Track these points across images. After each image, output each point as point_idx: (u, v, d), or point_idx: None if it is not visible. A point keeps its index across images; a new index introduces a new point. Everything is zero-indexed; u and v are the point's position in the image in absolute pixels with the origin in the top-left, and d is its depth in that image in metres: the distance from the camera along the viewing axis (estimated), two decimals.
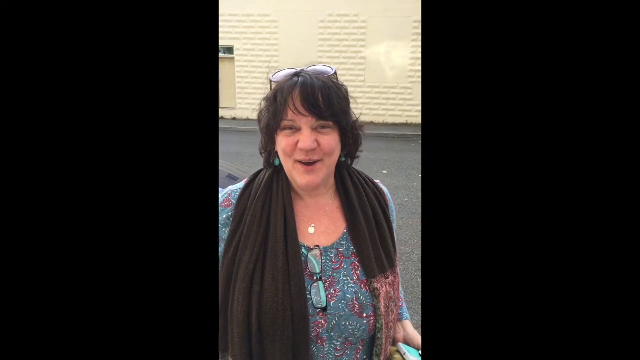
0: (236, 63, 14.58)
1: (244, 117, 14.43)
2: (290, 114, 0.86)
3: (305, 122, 0.87)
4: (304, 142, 0.85)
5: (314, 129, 0.88)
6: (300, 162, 0.88)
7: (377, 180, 1.07)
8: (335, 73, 0.95)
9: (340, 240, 0.96)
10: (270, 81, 0.95)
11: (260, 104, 0.95)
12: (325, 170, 0.91)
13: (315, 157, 0.88)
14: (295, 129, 0.88)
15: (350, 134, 0.95)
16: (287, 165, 0.91)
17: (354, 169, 1.03)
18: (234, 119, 14.33)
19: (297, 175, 0.89)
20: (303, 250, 0.93)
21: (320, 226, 0.96)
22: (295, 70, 0.94)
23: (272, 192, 0.95)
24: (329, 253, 0.93)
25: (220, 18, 14.14)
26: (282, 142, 0.88)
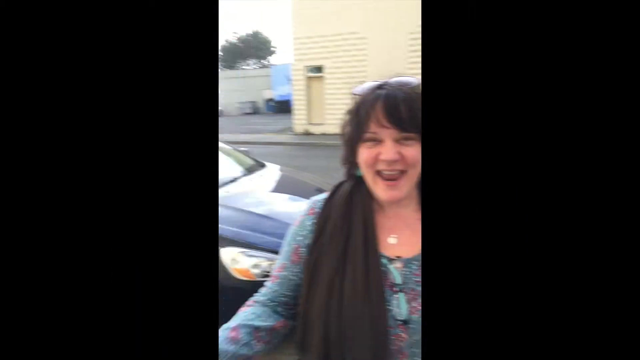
0: (325, 81, 15.09)
1: (332, 132, 14.79)
2: (373, 127, 0.85)
3: (388, 134, 0.85)
4: (387, 154, 0.84)
5: (397, 141, 0.86)
6: (382, 176, 0.86)
7: None
8: (418, 85, 0.90)
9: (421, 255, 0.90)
10: (354, 95, 0.94)
11: (344, 117, 0.95)
12: (409, 183, 0.88)
13: (399, 168, 0.85)
14: (378, 141, 0.86)
15: None
16: (369, 177, 0.89)
17: None
18: (323, 134, 14.77)
19: (379, 190, 0.87)
20: (384, 260, 0.89)
21: (402, 237, 0.93)
22: (378, 83, 0.92)
23: (353, 202, 0.94)
24: (411, 265, 0.89)
25: (309, 40, 14.88)
26: (364, 153, 0.87)
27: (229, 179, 3.22)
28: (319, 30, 14.54)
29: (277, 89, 29.58)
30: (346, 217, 0.93)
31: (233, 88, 32.18)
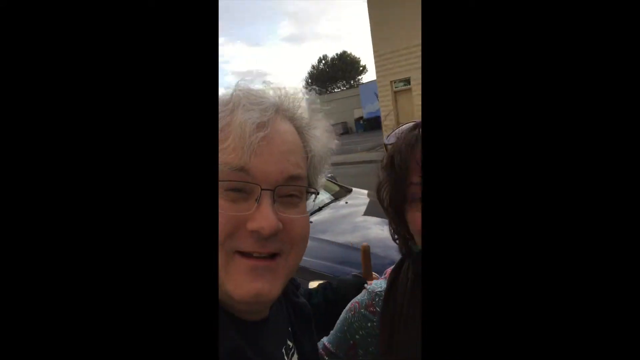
0: (414, 92, 14.67)
1: None
2: (417, 177, 0.65)
3: None
4: None
5: None
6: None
7: None
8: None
9: None
10: (386, 145, 0.76)
11: (378, 176, 0.75)
12: None
13: None
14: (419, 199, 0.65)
15: None
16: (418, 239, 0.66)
17: None
18: None
19: None
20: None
21: None
22: (414, 123, 0.75)
23: (417, 291, 0.71)
24: None
25: (392, 54, 14.72)
26: (417, 217, 0.66)
27: (315, 208, 3.26)
28: (399, 43, 14.33)
29: (367, 106, 29.82)
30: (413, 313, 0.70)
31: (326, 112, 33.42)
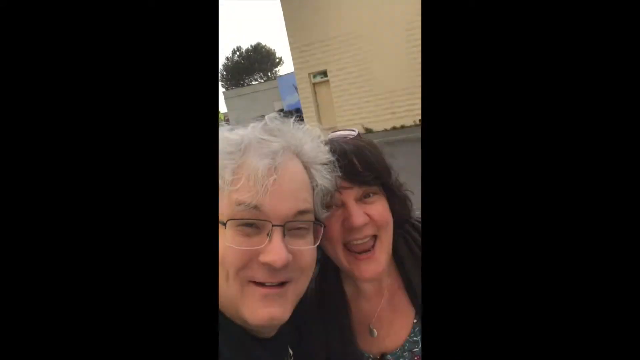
0: (331, 84, 15.16)
1: None
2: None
3: (349, 196, 0.73)
4: (354, 219, 0.71)
5: (359, 201, 0.74)
6: (352, 249, 0.73)
7: None
8: (359, 134, 0.81)
9: (412, 337, 0.77)
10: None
11: None
12: (385, 251, 0.75)
13: (370, 233, 0.73)
14: (338, 207, 0.74)
15: (397, 195, 0.78)
16: (336, 253, 0.75)
17: (409, 219, 0.82)
18: None
19: (355, 268, 0.73)
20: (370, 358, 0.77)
21: (383, 324, 0.79)
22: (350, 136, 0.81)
23: (325, 293, 0.79)
24: (400, 359, 0.76)
25: (308, 47, 15.00)
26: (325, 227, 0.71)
27: None
28: (314, 36, 14.60)
29: (286, 98, 29.80)
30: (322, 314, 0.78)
31: (242, 106, 32.65)
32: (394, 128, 14.02)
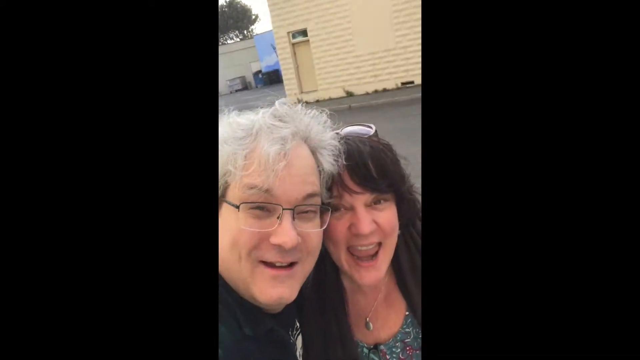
0: (312, 44, 14.61)
1: (327, 98, 14.49)
2: (337, 191, 0.73)
3: (359, 200, 0.72)
4: (362, 226, 0.70)
5: (369, 206, 0.73)
6: (356, 254, 0.73)
7: None
8: (376, 132, 0.79)
9: (404, 328, 0.80)
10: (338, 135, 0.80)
11: None
12: (389, 256, 0.75)
13: (375, 240, 0.73)
14: (346, 209, 0.73)
15: (407, 199, 0.77)
16: (339, 255, 0.76)
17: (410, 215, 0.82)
18: (317, 101, 14.50)
19: (356, 273, 0.74)
20: (364, 349, 0.81)
21: (378, 318, 0.82)
22: (366, 135, 0.78)
23: (324, 285, 0.82)
24: (394, 349, 0.79)
25: (290, 2, 14.25)
26: (330, 225, 0.73)
27: None
28: None
29: (264, 59, 28.84)
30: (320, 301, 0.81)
31: (219, 66, 31.41)
32: (376, 91, 13.78)
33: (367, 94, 13.79)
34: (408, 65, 13.31)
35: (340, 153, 0.74)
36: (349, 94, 14.05)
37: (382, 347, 0.79)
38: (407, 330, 0.80)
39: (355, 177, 0.71)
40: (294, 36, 14.94)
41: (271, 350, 0.71)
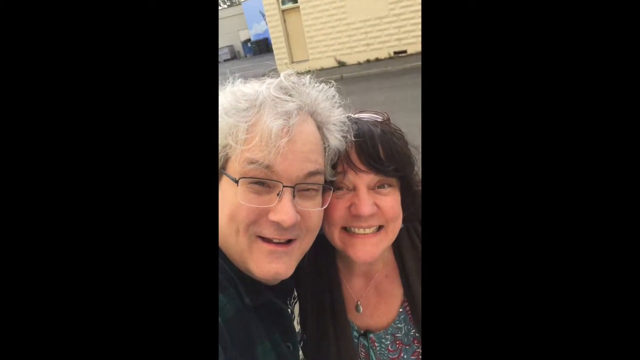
0: (302, 11, 14.10)
1: (319, 67, 14.15)
2: (342, 168, 0.71)
3: (363, 180, 0.70)
4: (362, 207, 0.69)
5: (372, 189, 0.71)
6: (352, 233, 0.72)
7: None
8: (388, 119, 0.77)
9: (396, 323, 0.80)
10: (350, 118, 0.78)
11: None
12: (389, 239, 0.74)
13: (375, 224, 0.71)
14: (348, 190, 0.72)
15: (412, 191, 0.75)
16: (331, 232, 0.74)
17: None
18: (308, 71, 14.13)
19: (350, 248, 0.73)
20: (355, 332, 0.81)
21: (368, 304, 0.82)
22: (377, 118, 0.77)
23: (321, 263, 0.81)
24: (383, 340, 0.80)
25: None
26: (330, 203, 0.72)
27: None
28: None
29: (253, 27, 27.89)
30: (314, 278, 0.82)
31: None
32: (368, 61, 13.50)
33: (359, 63, 13.51)
34: (400, 34, 12.99)
35: (349, 129, 0.71)
36: (341, 64, 13.75)
37: (371, 335, 0.80)
38: (399, 325, 0.80)
39: (362, 156, 0.70)
40: (283, 2, 14.38)
41: (269, 320, 0.72)
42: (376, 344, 0.80)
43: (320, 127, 0.70)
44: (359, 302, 0.83)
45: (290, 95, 0.67)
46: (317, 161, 0.67)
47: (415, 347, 0.79)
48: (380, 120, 0.76)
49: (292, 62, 14.85)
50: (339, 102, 0.75)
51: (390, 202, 0.72)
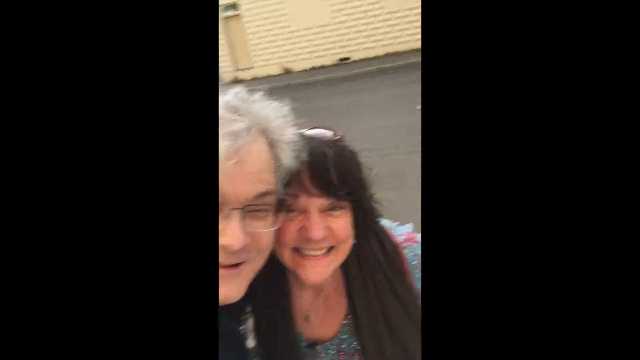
0: (244, 19, 13.96)
1: (264, 75, 14.05)
2: (294, 190, 0.69)
3: (315, 204, 0.69)
4: (313, 231, 0.68)
5: (324, 212, 0.70)
6: (303, 255, 0.72)
7: (404, 233, 0.84)
8: (342, 136, 0.76)
9: (341, 335, 0.82)
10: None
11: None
12: (339, 259, 0.74)
13: (326, 245, 0.71)
14: (299, 212, 0.71)
15: (364, 208, 0.76)
16: (282, 253, 0.73)
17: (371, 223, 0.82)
18: (254, 79, 14.01)
19: (301, 270, 0.72)
20: (303, 343, 0.82)
21: (317, 316, 0.83)
22: (331, 137, 0.75)
23: (268, 279, 0.79)
24: (329, 351, 0.81)
25: None
26: (282, 225, 0.70)
27: None
28: None
29: None
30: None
31: None
32: (314, 68, 13.66)
33: (305, 70, 13.63)
34: (344, 42, 13.32)
35: (302, 149, 0.69)
36: (288, 71, 13.77)
37: (318, 346, 0.81)
38: (344, 337, 0.82)
39: (315, 179, 0.68)
40: (225, 10, 14.15)
41: (222, 343, 0.69)
42: (322, 354, 0.81)
43: (272, 145, 0.67)
44: (309, 313, 0.83)
45: (239, 115, 0.64)
46: (268, 181, 0.65)
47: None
48: (333, 139, 0.74)
49: (237, 70, 14.63)
50: (292, 121, 0.72)
51: (342, 224, 0.72)
